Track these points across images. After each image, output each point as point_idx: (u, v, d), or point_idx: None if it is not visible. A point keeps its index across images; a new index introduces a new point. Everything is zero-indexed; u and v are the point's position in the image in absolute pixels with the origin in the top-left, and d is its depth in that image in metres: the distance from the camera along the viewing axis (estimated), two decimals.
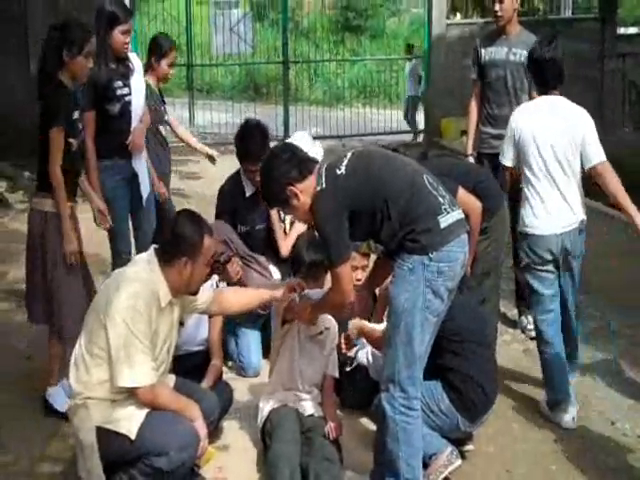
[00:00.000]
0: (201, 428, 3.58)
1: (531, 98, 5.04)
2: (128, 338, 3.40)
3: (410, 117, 15.56)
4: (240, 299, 4.15)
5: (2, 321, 5.82)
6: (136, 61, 5.28)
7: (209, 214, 5.72)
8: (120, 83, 5.05)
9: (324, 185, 3.47)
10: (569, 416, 4.44)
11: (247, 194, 5.32)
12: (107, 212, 4.89)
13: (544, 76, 4.56)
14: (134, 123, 5.14)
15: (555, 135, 4.44)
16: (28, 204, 8.22)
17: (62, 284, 4.35)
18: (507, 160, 4.64)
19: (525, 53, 5.22)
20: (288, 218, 5.33)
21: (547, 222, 4.45)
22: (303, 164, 3.57)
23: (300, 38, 20.49)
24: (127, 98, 5.09)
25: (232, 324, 5.07)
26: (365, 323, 4.40)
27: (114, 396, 3.48)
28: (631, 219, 4.35)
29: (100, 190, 4.96)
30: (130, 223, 5.38)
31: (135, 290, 3.48)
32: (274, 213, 5.23)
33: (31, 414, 4.47)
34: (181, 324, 4.38)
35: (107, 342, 3.42)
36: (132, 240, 5.41)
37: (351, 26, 25.03)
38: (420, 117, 15.27)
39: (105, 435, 3.46)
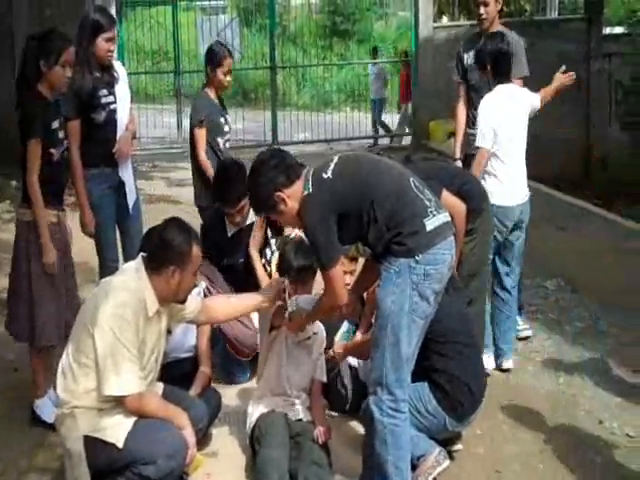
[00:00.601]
0: (189, 436, 3.57)
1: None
2: (115, 347, 3.40)
3: (378, 120, 15.65)
4: (227, 308, 4.13)
5: None
6: (121, 69, 5.26)
7: (199, 220, 5.73)
8: (105, 91, 5.02)
9: (311, 190, 3.48)
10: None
11: (229, 234, 5.28)
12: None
13: (503, 67, 5.19)
14: (120, 131, 5.13)
15: (521, 123, 5.19)
16: (15, 214, 8.22)
17: (44, 292, 4.35)
18: (487, 142, 5.09)
19: None
20: (274, 260, 5.19)
21: (513, 194, 5.14)
22: (291, 169, 3.58)
23: (288, 43, 20.49)
24: (112, 106, 5.05)
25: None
26: (348, 343, 4.44)
27: (101, 405, 3.47)
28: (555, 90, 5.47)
29: (87, 199, 4.96)
30: (117, 232, 5.36)
31: (123, 299, 3.48)
32: (256, 257, 5.20)
33: (19, 425, 4.45)
34: (169, 332, 4.38)
35: (94, 351, 3.41)
36: (119, 248, 5.39)
37: (338, 30, 25.06)
38: (388, 119, 15.42)
39: (92, 444, 3.45)
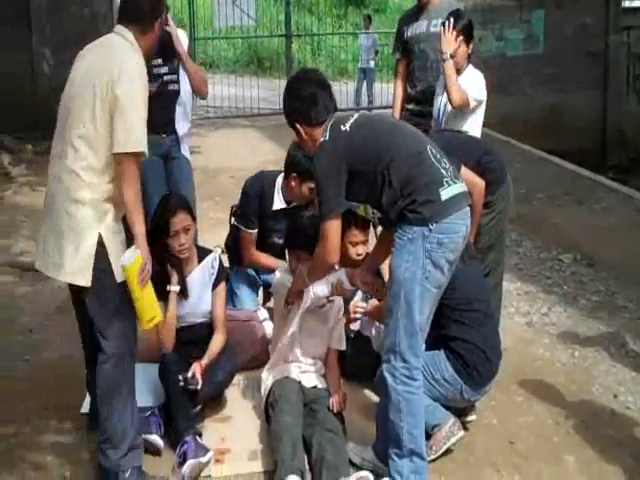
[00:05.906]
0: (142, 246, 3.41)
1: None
2: (134, 109, 3.37)
3: (368, 89, 15.55)
4: None
5: (4, 294, 5.81)
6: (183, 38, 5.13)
7: (209, 185, 5.70)
8: (159, 61, 4.94)
9: (327, 137, 3.48)
10: None
11: (273, 208, 4.98)
12: None
13: None
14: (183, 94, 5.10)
15: None
16: (30, 177, 8.23)
17: None
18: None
19: None
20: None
21: None
22: (319, 112, 3.58)
23: (303, 11, 20.33)
24: (166, 77, 4.98)
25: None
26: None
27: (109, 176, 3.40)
28: None
29: None
30: None
31: (135, 62, 3.46)
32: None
33: (35, 385, 4.47)
34: (184, 296, 4.38)
35: (109, 117, 3.34)
36: None
37: None
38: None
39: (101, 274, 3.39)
